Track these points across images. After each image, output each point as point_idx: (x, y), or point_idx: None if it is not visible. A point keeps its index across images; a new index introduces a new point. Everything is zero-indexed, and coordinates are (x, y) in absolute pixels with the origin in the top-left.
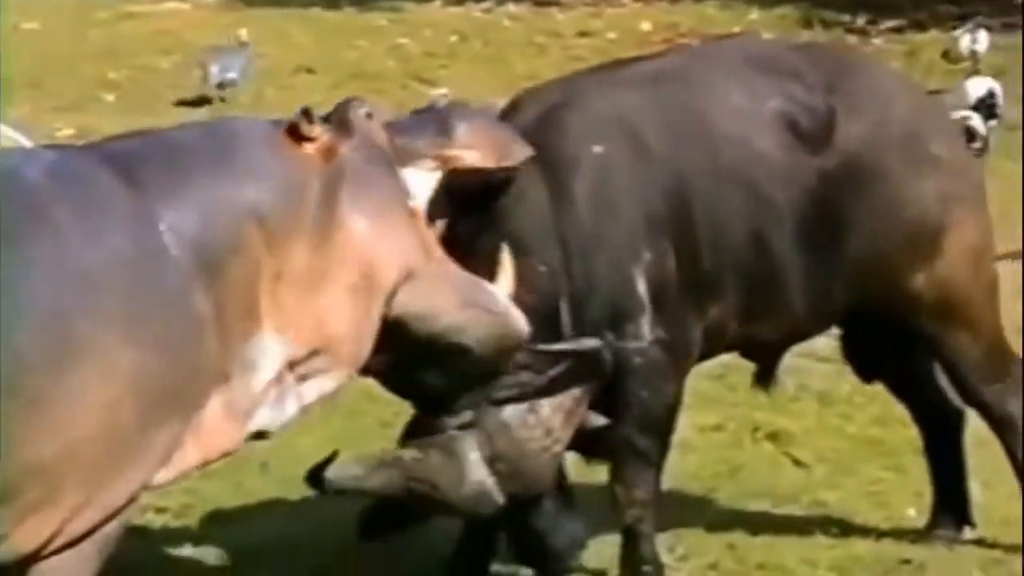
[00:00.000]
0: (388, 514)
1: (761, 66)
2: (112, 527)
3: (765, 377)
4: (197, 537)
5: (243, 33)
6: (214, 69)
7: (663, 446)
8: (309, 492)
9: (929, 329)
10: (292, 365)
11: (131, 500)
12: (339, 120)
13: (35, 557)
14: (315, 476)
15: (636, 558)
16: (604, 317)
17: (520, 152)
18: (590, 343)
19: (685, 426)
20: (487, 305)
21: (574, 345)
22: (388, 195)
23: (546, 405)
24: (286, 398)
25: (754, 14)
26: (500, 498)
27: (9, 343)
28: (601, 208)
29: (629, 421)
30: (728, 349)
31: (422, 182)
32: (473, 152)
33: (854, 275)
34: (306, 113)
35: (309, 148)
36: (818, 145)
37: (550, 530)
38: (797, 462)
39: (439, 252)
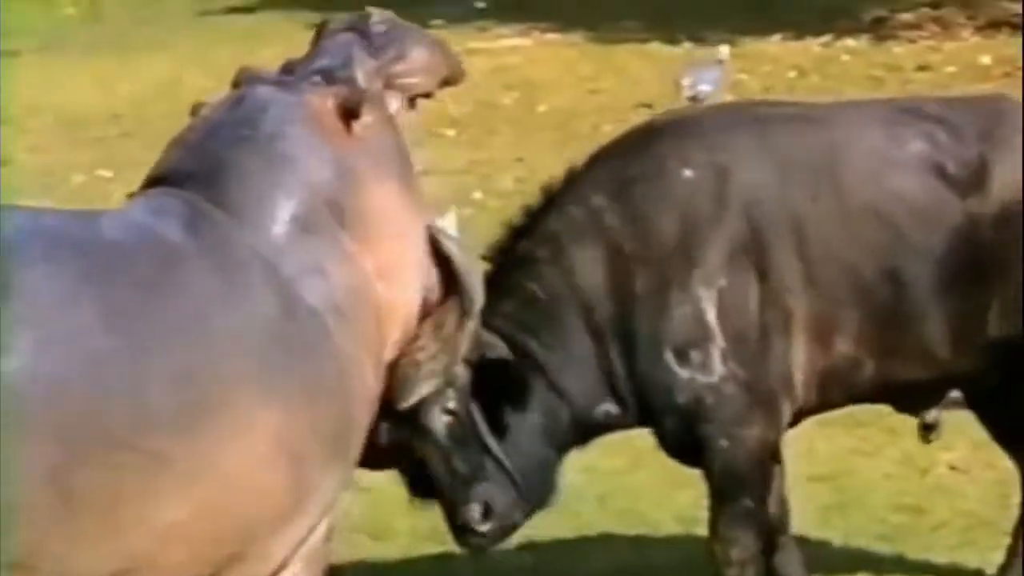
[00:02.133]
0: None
1: (906, 113)
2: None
3: (927, 428)
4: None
5: (723, 51)
6: (686, 82)
7: (758, 501)
8: (644, 523)
9: None
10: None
11: (295, 551)
12: (351, 85)
13: None
14: None
15: None
16: (661, 336)
17: (463, 72)
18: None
19: None
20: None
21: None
22: (409, 166)
23: None
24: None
25: None
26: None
27: (137, 400)
28: (673, 227)
29: (715, 473)
30: (873, 396)
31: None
32: (431, 77)
33: (1002, 316)
34: (357, 96)
35: (357, 125)
36: (967, 189)
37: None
38: None
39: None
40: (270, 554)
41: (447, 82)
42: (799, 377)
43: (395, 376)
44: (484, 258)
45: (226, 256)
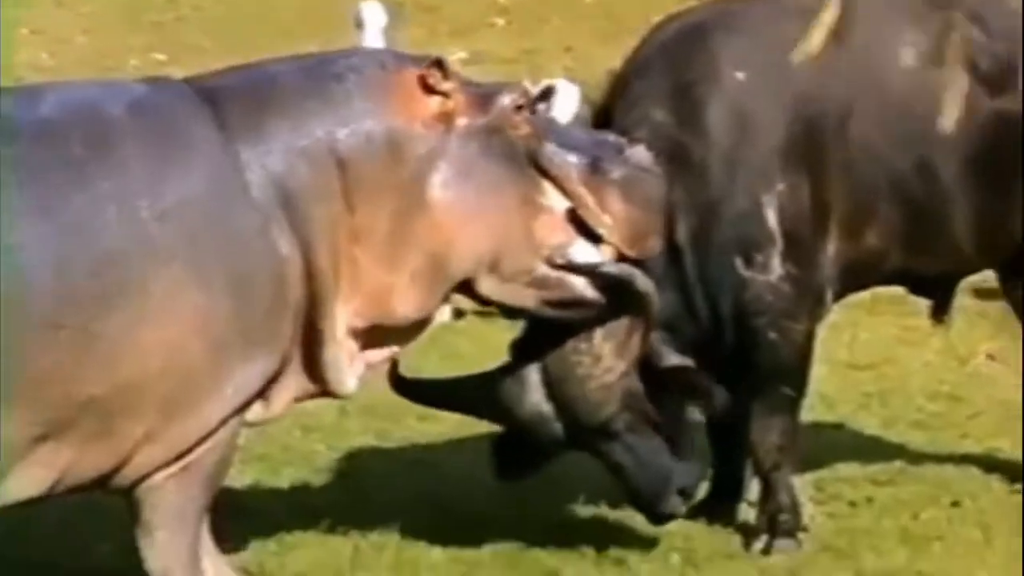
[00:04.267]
0: (514, 452)
1: (942, 5)
2: (210, 461)
3: (941, 311)
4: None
5: None
6: None
7: (798, 390)
8: None
9: None
10: (352, 334)
11: (211, 434)
12: (483, 95)
13: (105, 485)
14: (403, 384)
15: (774, 506)
16: (730, 243)
17: (653, 246)
18: (626, 269)
19: None
20: (560, 299)
21: (610, 268)
22: (492, 183)
23: (597, 333)
24: (353, 362)
25: None
26: (557, 423)
27: (60, 276)
28: (733, 133)
29: (760, 364)
30: (892, 281)
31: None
32: (610, 222)
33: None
34: (439, 64)
35: (430, 104)
36: (997, 88)
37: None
38: None
39: (544, 226)
40: (183, 434)
41: (633, 241)
42: (833, 271)
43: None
44: None
45: (169, 139)
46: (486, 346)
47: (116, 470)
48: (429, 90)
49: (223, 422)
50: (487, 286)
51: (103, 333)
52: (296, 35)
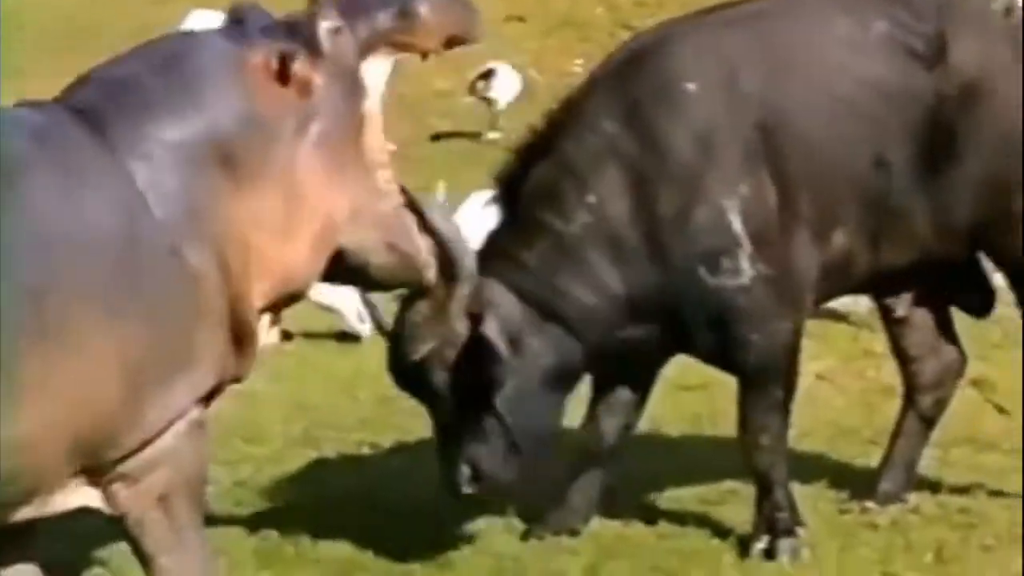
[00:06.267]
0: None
1: None
2: (179, 480)
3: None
4: (409, 471)
5: None
6: None
7: (787, 389)
8: None
9: None
10: (263, 310)
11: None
12: (309, 41)
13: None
14: None
15: (770, 506)
16: (696, 253)
17: (478, 31)
18: (451, 229)
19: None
20: (408, 252)
21: (435, 215)
22: (348, 133)
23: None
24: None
25: None
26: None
27: None
28: (688, 143)
29: (746, 367)
30: (863, 286)
31: (377, 73)
32: (434, 35)
33: (974, 193)
34: (285, 59)
35: (286, 86)
36: (932, 66)
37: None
38: (1000, 409)
39: (382, 181)
40: (99, 464)
41: (456, 41)
42: (810, 268)
43: None
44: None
45: (73, 169)
46: (312, 367)
47: (40, 505)
48: (285, 73)
49: (145, 443)
50: (345, 234)
51: (17, 371)
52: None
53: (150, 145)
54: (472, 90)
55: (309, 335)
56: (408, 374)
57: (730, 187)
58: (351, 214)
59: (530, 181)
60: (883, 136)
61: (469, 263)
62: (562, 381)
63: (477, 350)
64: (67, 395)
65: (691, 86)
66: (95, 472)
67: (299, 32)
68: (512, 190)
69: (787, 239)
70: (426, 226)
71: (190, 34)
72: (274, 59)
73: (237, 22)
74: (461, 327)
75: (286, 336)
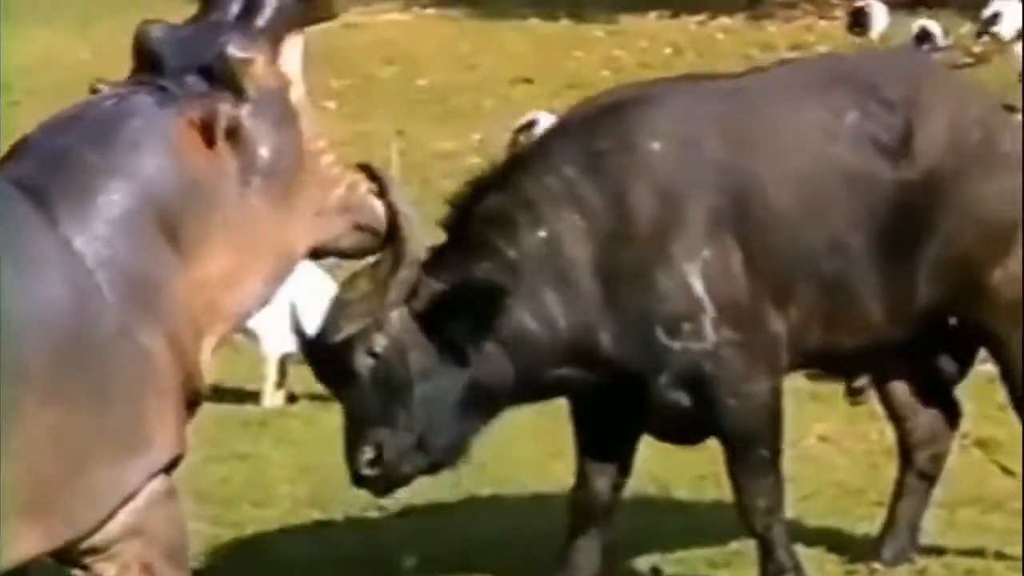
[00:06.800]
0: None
1: (839, 81)
2: (156, 551)
3: (854, 392)
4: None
5: None
6: None
7: (773, 450)
8: (523, 491)
9: (1000, 328)
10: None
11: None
12: (230, 82)
13: None
14: None
15: (774, 567)
16: (655, 314)
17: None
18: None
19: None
20: (371, 224)
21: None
22: (290, 159)
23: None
24: None
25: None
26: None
27: None
28: (648, 201)
29: (727, 431)
30: (812, 363)
31: (292, 60)
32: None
33: (933, 276)
34: (208, 124)
35: (219, 146)
36: (897, 157)
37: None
38: (1005, 470)
39: (327, 168)
40: (53, 544)
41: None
42: (784, 336)
43: None
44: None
45: (21, 247)
46: (319, 429)
47: None
48: (211, 134)
49: (103, 523)
50: (313, 237)
51: None
52: None
53: (95, 223)
54: (514, 143)
55: (315, 397)
56: (329, 351)
57: (693, 250)
58: (313, 221)
59: (483, 206)
60: (840, 219)
61: (415, 248)
62: (486, 400)
63: (408, 342)
64: (11, 476)
65: (655, 145)
66: (62, 551)
67: (218, 75)
68: (463, 213)
69: (757, 303)
70: (382, 192)
71: (120, 99)
72: (199, 122)
73: (158, 66)
74: (395, 314)
75: (291, 398)
